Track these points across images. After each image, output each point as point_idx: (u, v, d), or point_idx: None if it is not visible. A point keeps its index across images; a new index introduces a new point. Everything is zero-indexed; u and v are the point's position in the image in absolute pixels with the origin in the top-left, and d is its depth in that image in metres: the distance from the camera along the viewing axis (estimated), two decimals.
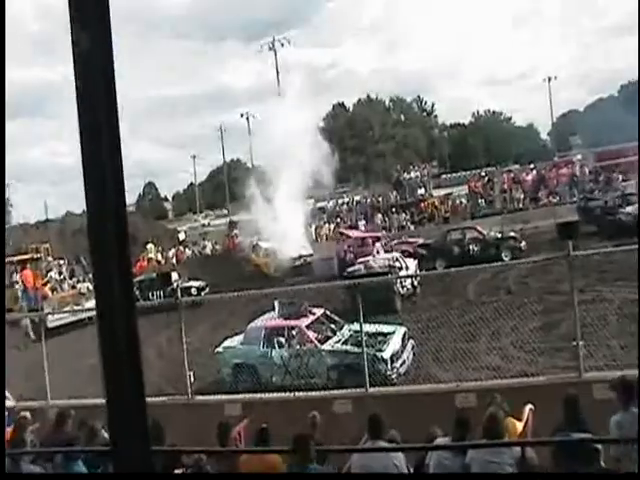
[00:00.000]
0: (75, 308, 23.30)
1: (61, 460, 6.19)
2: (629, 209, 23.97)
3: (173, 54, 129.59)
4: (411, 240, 27.57)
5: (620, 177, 32.84)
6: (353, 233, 30.39)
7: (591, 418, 5.64)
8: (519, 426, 5.97)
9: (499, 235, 24.73)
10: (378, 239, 27.73)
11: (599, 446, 5.00)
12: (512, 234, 25.02)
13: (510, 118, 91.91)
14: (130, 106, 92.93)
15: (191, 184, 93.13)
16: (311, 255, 30.32)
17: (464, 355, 11.42)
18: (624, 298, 14.42)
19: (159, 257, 36.59)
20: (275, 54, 57.21)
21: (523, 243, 23.82)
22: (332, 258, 27.98)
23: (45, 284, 30.52)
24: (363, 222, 36.14)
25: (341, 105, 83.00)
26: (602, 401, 7.10)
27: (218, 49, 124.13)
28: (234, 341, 14.27)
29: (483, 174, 43.00)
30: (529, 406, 6.40)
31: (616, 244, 16.43)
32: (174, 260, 36.51)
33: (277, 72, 56.06)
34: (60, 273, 34.25)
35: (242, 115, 64.06)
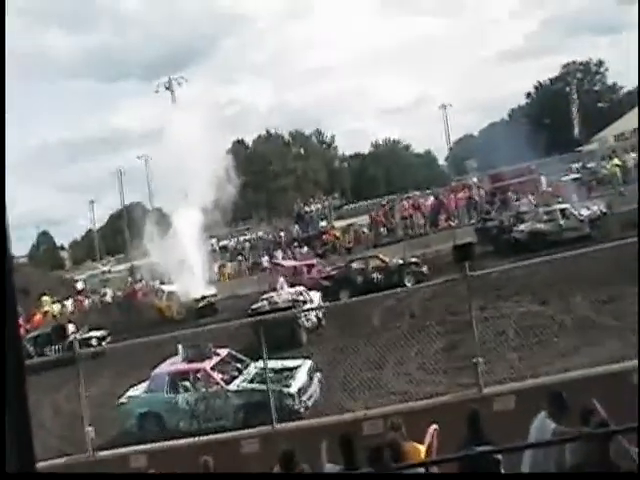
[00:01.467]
0: None
1: None
2: (522, 227, 25.20)
3: (66, 96, 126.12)
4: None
5: (514, 197, 34.15)
6: (287, 262, 29.93)
7: (492, 429, 5.75)
8: (421, 448, 5.96)
9: (401, 261, 24.87)
10: (313, 266, 27.57)
11: (499, 457, 5.07)
12: (413, 260, 25.21)
13: (408, 146, 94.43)
14: (21, 151, 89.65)
15: (89, 230, 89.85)
16: (215, 295, 29.70)
17: (371, 383, 11.44)
18: (520, 312, 15.06)
19: (55, 309, 34.85)
20: (172, 93, 56.27)
21: (425, 267, 24.08)
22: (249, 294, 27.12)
23: None
24: (266, 258, 35.79)
25: (240, 142, 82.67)
26: (501, 412, 7.36)
27: (113, 90, 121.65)
28: (138, 390, 13.75)
29: (384, 202, 43.71)
30: (433, 427, 6.43)
31: (512, 261, 17.15)
32: (73, 311, 34.94)
33: (174, 112, 54.96)
34: None
35: (139, 157, 62.98)
